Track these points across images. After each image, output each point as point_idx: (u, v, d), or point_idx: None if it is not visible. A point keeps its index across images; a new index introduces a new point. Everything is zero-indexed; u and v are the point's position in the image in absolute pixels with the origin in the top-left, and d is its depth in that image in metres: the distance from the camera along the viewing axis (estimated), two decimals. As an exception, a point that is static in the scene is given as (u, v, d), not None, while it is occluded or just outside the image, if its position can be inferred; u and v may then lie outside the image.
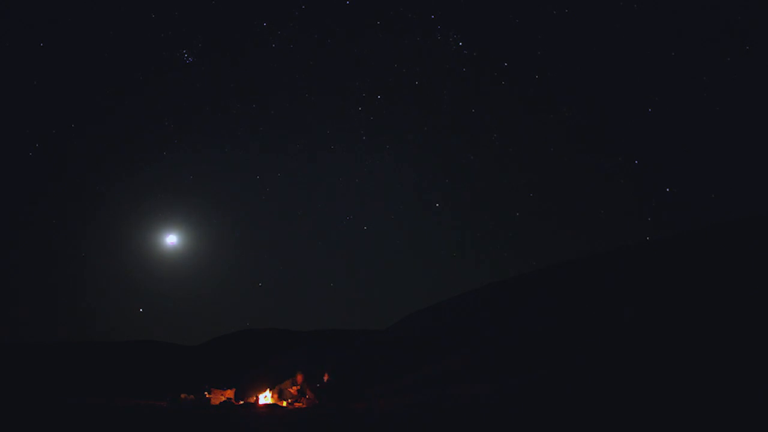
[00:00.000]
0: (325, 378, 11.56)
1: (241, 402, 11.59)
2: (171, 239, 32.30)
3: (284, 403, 11.58)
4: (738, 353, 7.36)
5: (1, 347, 35.06)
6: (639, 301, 12.50)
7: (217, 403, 11.19)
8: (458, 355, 15.67)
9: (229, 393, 11.56)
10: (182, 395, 11.06)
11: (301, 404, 11.38)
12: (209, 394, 11.39)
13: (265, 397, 11.78)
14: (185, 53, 36.21)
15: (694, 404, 5.96)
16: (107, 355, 35.18)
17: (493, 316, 19.91)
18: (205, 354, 40.00)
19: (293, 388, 11.73)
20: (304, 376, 11.87)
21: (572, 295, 16.79)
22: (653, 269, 15.02)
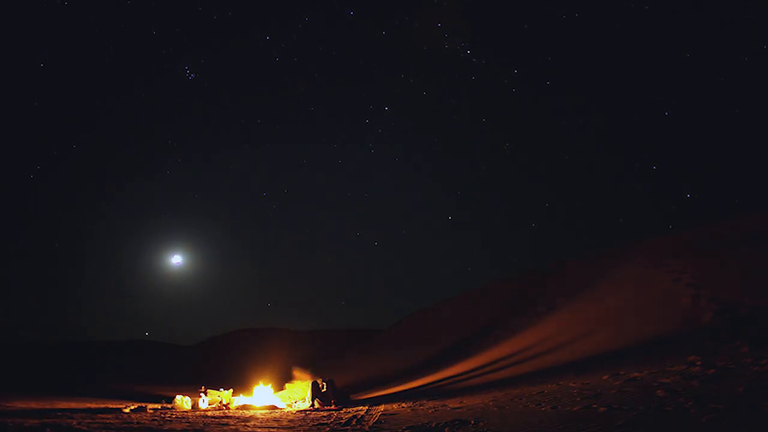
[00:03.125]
0: (326, 380, 11.29)
1: (239, 404, 11.31)
2: (176, 259, 31.98)
3: (285, 405, 11.30)
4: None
5: (3, 347, 35.09)
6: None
7: (210, 405, 10.90)
8: (461, 357, 15.39)
9: (226, 394, 11.28)
10: (176, 396, 10.76)
11: (301, 406, 11.11)
12: (206, 394, 11.11)
13: (264, 398, 11.50)
14: (187, 69, 35.52)
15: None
16: (103, 355, 34.96)
17: (492, 318, 19.63)
18: (202, 354, 39.73)
19: (293, 389, 11.46)
20: (305, 377, 11.61)
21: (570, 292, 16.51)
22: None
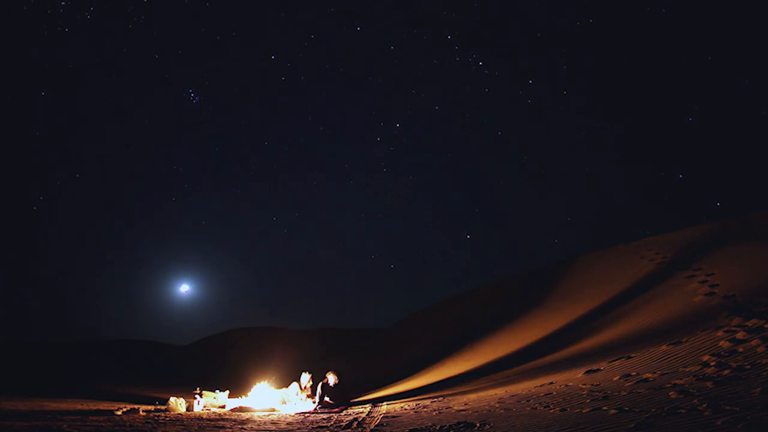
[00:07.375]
0: (326, 380, 11.04)
1: (236, 406, 11.05)
2: (185, 287, 31.64)
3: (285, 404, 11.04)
4: None
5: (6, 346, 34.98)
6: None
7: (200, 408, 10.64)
8: (464, 357, 15.13)
9: (222, 396, 11.02)
10: (170, 398, 10.49)
11: (300, 407, 10.86)
12: (201, 396, 10.84)
13: (262, 400, 11.24)
14: (191, 92, 34.81)
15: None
16: (95, 354, 34.68)
17: (497, 317, 19.39)
18: (197, 354, 39.41)
19: (297, 390, 11.22)
20: (307, 377, 11.37)
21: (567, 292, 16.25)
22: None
